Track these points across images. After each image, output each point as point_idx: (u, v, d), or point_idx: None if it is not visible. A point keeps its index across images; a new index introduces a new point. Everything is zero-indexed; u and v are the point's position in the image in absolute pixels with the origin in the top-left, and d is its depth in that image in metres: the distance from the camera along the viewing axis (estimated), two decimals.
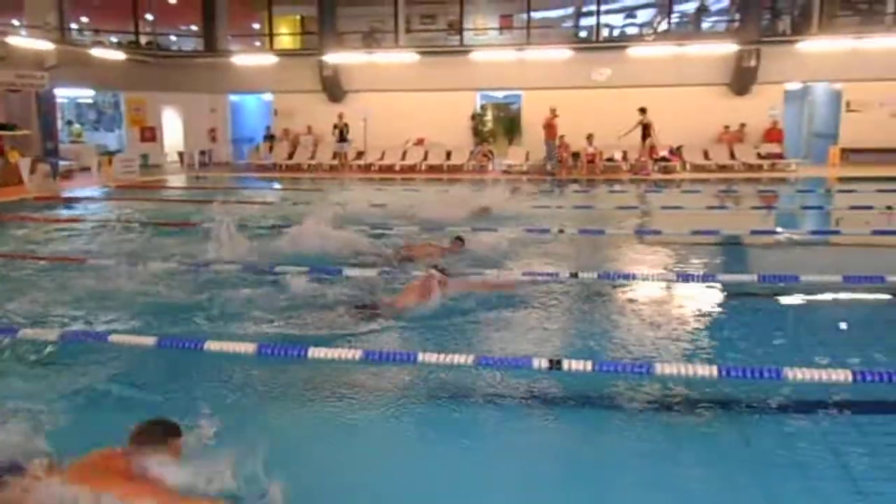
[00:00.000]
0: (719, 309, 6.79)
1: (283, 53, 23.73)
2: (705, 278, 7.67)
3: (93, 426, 4.11)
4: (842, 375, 4.56)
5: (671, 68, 20.78)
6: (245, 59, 23.24)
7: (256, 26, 26.71)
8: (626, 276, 7.71)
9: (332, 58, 22.32)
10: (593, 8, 22.24)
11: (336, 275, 7.50)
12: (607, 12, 23.62)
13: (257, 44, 26.45)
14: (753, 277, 7.67)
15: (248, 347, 5.14)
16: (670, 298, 7.12)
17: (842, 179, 17.90)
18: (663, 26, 23.72)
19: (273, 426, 4.28)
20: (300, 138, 23.34)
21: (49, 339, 5.47)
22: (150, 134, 23.84)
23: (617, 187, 17.51)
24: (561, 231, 10.22)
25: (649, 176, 19.37)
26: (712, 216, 11.98)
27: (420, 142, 22.73)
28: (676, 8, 23.10)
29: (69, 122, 25.06)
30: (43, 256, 9.04)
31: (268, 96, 24.96)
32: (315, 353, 5.06)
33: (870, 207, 11.97)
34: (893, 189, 14.33)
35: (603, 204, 13.95)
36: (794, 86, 22.12)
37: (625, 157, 20.72)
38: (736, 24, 21.70)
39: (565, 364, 4.88)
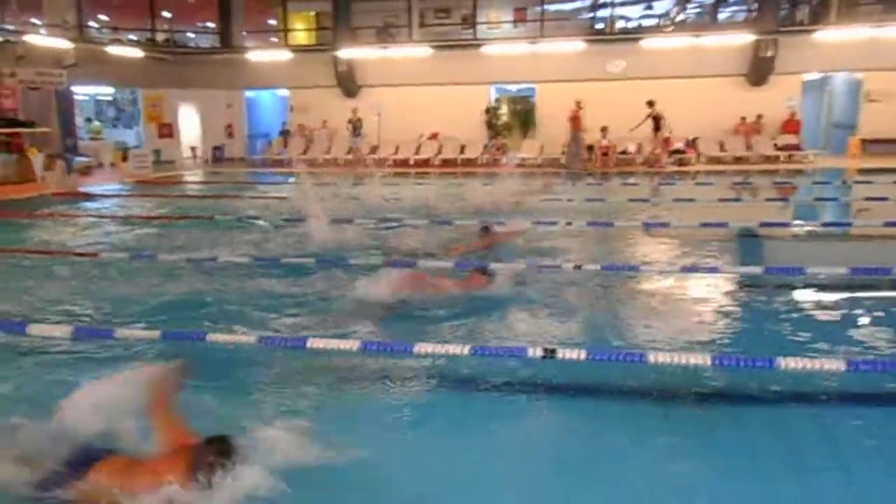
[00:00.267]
0: (728, 300, 6.74)
1: (297, 49, 23.87)
2: (713, 270, 7.64)
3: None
4: (834, 365, 4.55)
5: (687, 59, 20.60)
6: (260, 55, 23.41)
7: (272, 22, 26.90)
8: (633, 268, 7.69)
9: (346, 53, 22.41)
10: None
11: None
12: (623, 4, 23.49)
13: (273, 40, 26.65)
14: (759, 270, 7.66)
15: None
16: (676, 289, 7.08)
17: (860, 171, 17.65)
18: (681, 17, 23.57)
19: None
20: (314, 133, 23.46)
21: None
22: (168, 130, 24.12)
23: (631, 180, 17.39)
24: (569, 224, 10.21)
25: (663, 168, 19.25)
26: (724, 209, 11.86)
27: (434, 136, 22.76)
28: None
29: (89, 120, 25.41)
30: (59, 251, 9.20)
31: (283, 92, 25.12)
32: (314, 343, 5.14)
33: (885, 199, 11.81)
34: None
35: (615, 197, 13.87)
36: (813, 76, 21.84)
37: (639, 150, 20.59)
38: (753, 14, 21.47)
39: (559, 353, 4.93)
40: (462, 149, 22.22)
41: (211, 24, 25.88)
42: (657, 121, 19.18)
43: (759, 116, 20.96)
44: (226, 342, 5.29)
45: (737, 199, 12.86)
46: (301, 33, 26.25)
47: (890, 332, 5.56)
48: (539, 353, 4.93)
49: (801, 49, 19.96)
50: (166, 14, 25.63)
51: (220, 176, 20.40)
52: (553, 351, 4.93)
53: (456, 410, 4.45)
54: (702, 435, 4.05)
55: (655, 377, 4.71)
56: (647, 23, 24.68)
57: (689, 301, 6.73)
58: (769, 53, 20.20)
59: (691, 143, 20.80)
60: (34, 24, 22.44)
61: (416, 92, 22.40)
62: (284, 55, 23.13)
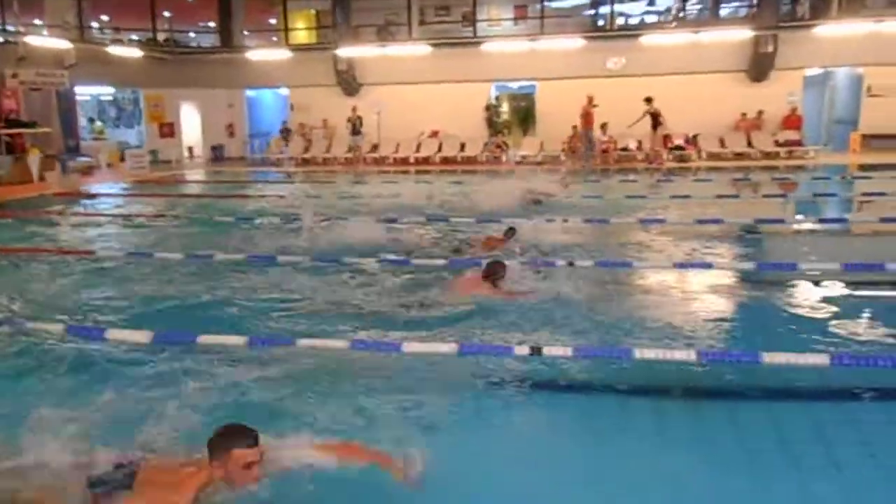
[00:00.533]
0: (721, 296, 6.74)
1: (298, 48, 23.90)
2: (706, 266, 7.64)
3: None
4: (818, 359, 4.57)
5: (687, 56, 20.56)
6: (261, 55, 23.45)
7: (272, 21, 26.94)
8: (627, 264, 7.69)
9: (346, 52, 22.43)
10: None
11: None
12: (622, 1, 23.44)
13: (274, 39, 26.69)
14: (752, 265, 7.67)
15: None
16: (669, 285, 7.07)
17: (861, 167, 17.59)
18: (683, 13, 23.52)
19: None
20: (312, 132, 23.48)
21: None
22: (169, 130, 24.21)
23: (632, 177, 17.37)
24: (565, 220, 10.20)
25: (663, 165, 19.23)
26: (721, 205, 11.84)
27: (434, 134, 22.77)
28: None
29: (91, 120, 25.52)
30: (54, 249, 9.26)
31: (285, 91, 25.17)
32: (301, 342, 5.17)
33: (883, 194, 11.80)
34: None
35: (613, 193, 13.86)
36: (815, 71, 21.77)
37: (639, 147, 20.56)
38: (754, 10, 21.41)
39: (546, 350, 4.95)
40: (462, 146, 22.23)
41: (211, 24, 25.93)
42: (655, 118, 19.15)
43: (760, 112, 20.91)
44: (216, 343, 5.33)
45: (735, 196, 12.82)
46: (301, 32, 26.28)
47: (881, 326, 5.57)
48: (526, 351, 4.98)
49: (802, 44, 19.90)
50: (167, 14, 25.68)
51: (220, 175, 20.45)
52: (539, 349, 4.97)
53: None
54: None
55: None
56: (649, 19, 24.62)
57: (682, 297, 6.73)
58: (769, 49, 20.15)
59: (691, 140, 20.76)
60: (35, 25, 22.56)
61: (416, 90, 22.41)
62: (284, 54, 23.16)
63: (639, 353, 4.82)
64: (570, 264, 7.44)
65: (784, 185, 15.63)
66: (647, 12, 25.05)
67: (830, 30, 19.39)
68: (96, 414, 3.92)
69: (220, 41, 24.26)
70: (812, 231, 10.00)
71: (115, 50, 21.05)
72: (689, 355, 4.78)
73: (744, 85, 20.99)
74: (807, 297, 6.60)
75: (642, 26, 20.91)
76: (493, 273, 6.38)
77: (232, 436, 3.02)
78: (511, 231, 8.53)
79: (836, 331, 5.53)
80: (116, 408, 4.10)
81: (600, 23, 24.03)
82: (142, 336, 5.44)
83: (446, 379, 4.74)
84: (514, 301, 6.18)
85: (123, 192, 16.88)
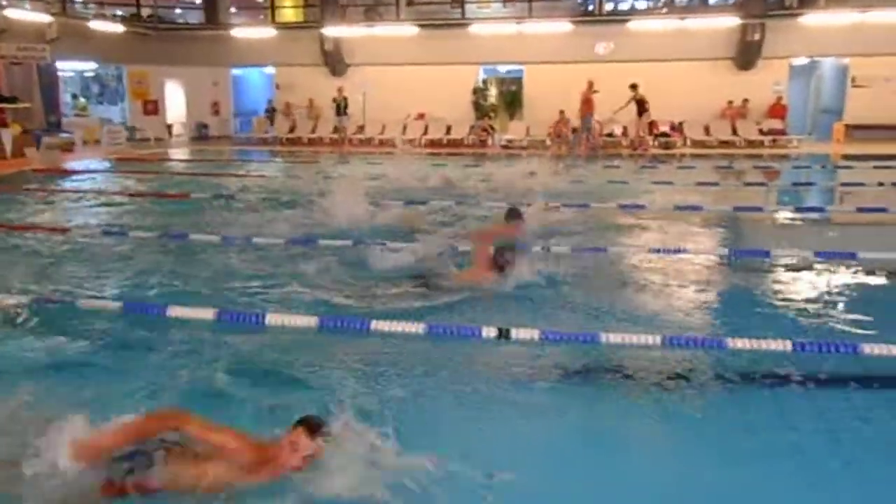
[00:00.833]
0: (695, 281, 6.78)
1: (284, 26, 23.66)
2: (680, 252, 7.67)
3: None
4: (780, 345, 4.62)
5: (674, 42, 20.53)
6: (246, 32, 23.20)
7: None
8: (601, 250, 7.72)
9: (332, 31, 22.23)
10: None
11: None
12: None
13: (262, 17, 26.36)
14: (725, 251, 7.73)
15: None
16: (648, 269, 7.09)
17: (844, 157, 17.68)
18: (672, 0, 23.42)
19: None
20: (295, 112, 23.28)
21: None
22: (153, 107, 23.94)
23: (615, 163, 17.38)
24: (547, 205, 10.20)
25: (648, 151, 19.26)
26: (701, 193, 11.87)
27: (421, 116, 22.67)
28: None
29: (74, 96, 25.19)
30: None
31: (270, 70, 24.94)
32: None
33: (861, 184, 11.88)
34: (891, 166, 14.18)
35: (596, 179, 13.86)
36: (802, 61, 21.81)
37: (625, 133, 20.57)
38: None
39: (513, 333, 4.98)
40: (448, 129, 22.15)
41: (197, 0, 25.59)
42: (641, 104, 19.14)
43: (746, 101, 20.93)
44: (185, 316, 5.33)
45: (715, 184, 12.86)
46: (289, 10, 25.98)
47: (850, 313, 5.64)
48: (493, 333, 5.00)
49: (789, 33, 19.92)
50: None
51: (203, 154, 20.28)
52: (507, 331, 4.99)
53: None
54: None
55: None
56: (639, 6, 24.52)
57: (661, 282, 6.73)
58: (756, 37, 20.16)
59: (677, 127, 20.78)
60: None
61: (403, 71, 22.26)
62: (270, 32, 22.92)
63: (605, 338, 4.87)
64: (547, 249, 7.50)
65: (766, 173, 15.70)
66: None
67: (817, 19, 19.42)
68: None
69: (205, 18, 23.96)
70: (788, 219, 10.05)
71: (97, 25, 20.74)
72: (654, 340, 4.81)
73: (730, 73, 21.00)
74: (778, 283, 6.66)
75: (630, 12, 20.81)
76: (504, 260, 6.20)
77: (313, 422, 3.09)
78: (514, 213, 7.98)
79: (806, 317, 5.58)
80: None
81: (590, 7, 23.91)
82: (112, 305, 5.49)
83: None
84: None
85: (103, 169, 16.71)
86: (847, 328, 5.29)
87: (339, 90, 21.59)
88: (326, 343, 5.01)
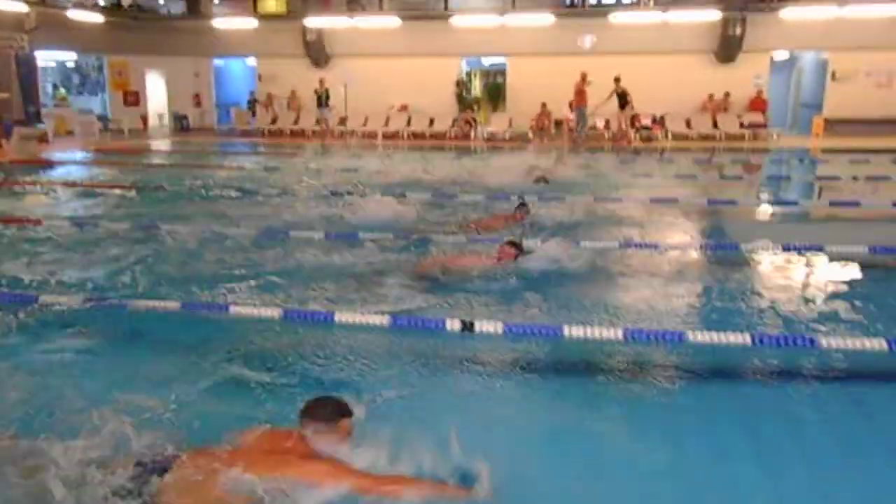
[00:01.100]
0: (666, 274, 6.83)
1: (265, 17, 23.46)
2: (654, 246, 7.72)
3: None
4: (739, 339, 4.67)
5: (656, 35, 20.60)
6: (227, 23, 23.02)
7: None
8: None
9: (313, 22, 22.13)
10: None
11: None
12: None
13: (246, 7, 26.12)
14: (699, 244, 7.80)
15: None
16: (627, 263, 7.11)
17: (823, 151, 17.85)
18: None
19: None
20: (275, 103, 23.15)
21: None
22: (134, 98, 23.76)
23: (597, 155, 17.40)
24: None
25: (630, 144, 19.33)
26: (679, 185, 11.93)
27: (404, 108, 22.62)
28: None
29: (55, 87, 24.94)
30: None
31: (252, 61, 24.79)
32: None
33: (837, 178, 11.99)
34: (867, 160, 14.32)
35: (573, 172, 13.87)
36: (783, 55, 21.94)
37: (607, 126, 20.62)
38: None
39: (477, 326, 5.00)
40: (431, 122, 22.12)
41: None
42: (623, 97, 19.19)
43: (727, 94, 21.04)
44: (149, 308, 5.32)
45: (692, 177, 12.92)
46: (271, 1, 25.77)
47: (812, 307, 5.71)
48: (457, 326, 5.02)
49: (769, 27, 20.03)
50: None
51: (182, 146, 20.15)
52: (471, 324, 5.01)
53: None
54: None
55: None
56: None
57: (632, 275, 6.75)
58: (737, 31, 20.26)
59: (658, 120, 20.86)
60: None
61: (386, 63, 22.21)
62: (251, 23, 22.76)
63: (567, 332, 4.91)
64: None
65: (745, 166, 15.80)
66: None
67: (796, 13, 19.54)
68: None
69: (187, 8, 23.75)
70: (762, 212, 10.14)
71: (76, 14, 20.50)
72: (615, 334, 4.85)
73: (712, 66, 21.09)
74: (745, 276, 6.71)
75: (612, 5, 20.79)
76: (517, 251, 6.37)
77: (341, 405, 3.14)
78: (523, 206, 8.22)
79: (771, 310, 5.65)
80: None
81: (574, 0, 23.87)
82: (74, 301, 5.46)
83: None
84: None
85: (81, 160, 16.59)
86: (812, 322, 5.36)
87: (321, 81, 21.50)
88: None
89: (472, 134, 21.60)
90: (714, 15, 20.16)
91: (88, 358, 4.64)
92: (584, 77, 19.49)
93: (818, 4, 19.18)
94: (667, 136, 20.57)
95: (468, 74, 23.96)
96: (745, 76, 20.91)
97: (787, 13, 19.58)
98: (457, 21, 21.54)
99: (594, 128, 20.72)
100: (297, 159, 16.11)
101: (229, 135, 22.71)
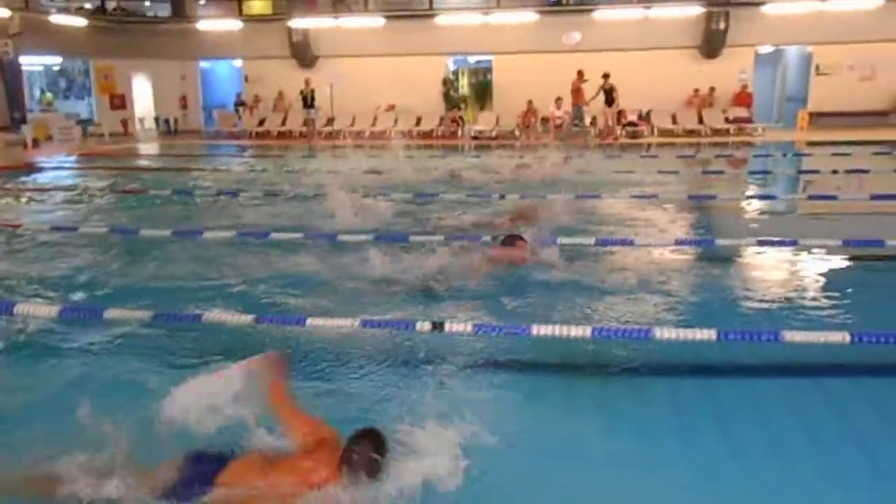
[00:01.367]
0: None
1: (250, 19, 23.48)
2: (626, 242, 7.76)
3: None
4: (706, 334, 4.71)
5: (641, 32, 20.68)
6: (212, 25, 23.01)
7: None
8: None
9: (298, 23, 22.12)
10: None
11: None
12: None
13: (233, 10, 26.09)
14: (671, 240, 7.84)
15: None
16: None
17: (808, 144, 17.91)
18: None
19: None
20: (259, 105, 23.13)
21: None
22: (121, 101, 23.71)
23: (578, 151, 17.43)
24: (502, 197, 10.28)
25: (617, 140, 19.39)
26: (662, 181, 11.99)
27: (391, 108, 22.63)
28: None
29: (42, 91, 24.89)
30: None
31: (239, 62, 24.76)
32: None
33: (816, 171, 12.06)
34: (848, 153, 14.39)
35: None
36: (767, 49, 22.03)
37: (593, 122, 20.67)
38: None
39: (447, 326, 5.03)
40: (418, 121, 22.14)
41: None
42: (609, 93, 19.25)
43: (712, 89, 21.11)
44: (121, 317, 5.33)
45: (674, 172, 12.97)
46: (258, 3, 25.76)
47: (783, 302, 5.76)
48: (427, 326, 5.05)
49: (752, 22, 20.14)
50: None
51: (169, 149, 20.11)
52: (441, 324, 5.05)
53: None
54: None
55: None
56: None
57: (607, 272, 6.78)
58: (721, 26, 20.34)
59: (644, 117, 20.92)
60: None
61: (372, 63, 22.21)
62: (236, 24, 22.75)
63: (536, 330, 4.94)
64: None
65: (729, 160, 15.86)
66: None
67: (779, 8, 19.66)
68: None
69: (172, 11, 23.71)
70: (741, 207, 10.18)
71: (59, 18, 20.45)
72: (583, 332, 4.89)
73: (697, 61, 21.17)
74: (718, 271, 6.77)
75: (596, 1, 20.85)
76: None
77: (374, 444, 2.94)
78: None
79: (740, 304, 5.71)
80: None
81: None
82: (49, 310, 5.46)
83: None
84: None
85: (67, 165, 16.56)
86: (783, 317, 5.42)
87: (307, 82, 21.49)
88: None
89: (460, 132, 21.63)
90: (696, 10, 20.22)
91: (58, 364, 4.67)
92: (580, 74, 19.54)
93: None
94: (653, 131, 20.63)
95: (455, 73, 23.98)
96: (730, 71, 20.99)
97: (771, 8, 19.70)
98: (442, 20, 21.57)
99: (578, 125, 20.74)
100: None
101: (216, 137, 22.66)
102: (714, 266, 6.95)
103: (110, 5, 23.82)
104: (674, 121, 20.90)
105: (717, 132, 20.20)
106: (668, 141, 19.39)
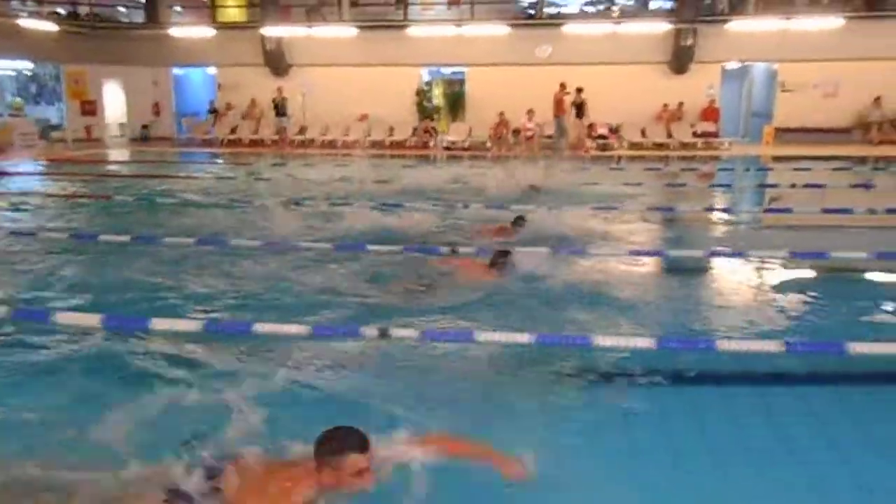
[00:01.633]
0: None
1: (223, 26, 23.46)
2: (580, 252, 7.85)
3: None
4: (646, 343, 4.84)
5: (611, 46, 20.97)
6: (185, 32, 22.94)
7: None
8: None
9: (271, 31, 22.15)
10: None
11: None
12: None
13: (208, 17, 26.06)
14: (625, 250, 7.97)
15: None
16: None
17: (773, 158, 18.28)
18: (615, 4, 23.82)
19: None
20: (229, 112, 23.07)
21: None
22: (91, 107, 23.51)
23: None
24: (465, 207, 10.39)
25: (588, 153, 19.62)
26: (626, 193, 12.14)
27: (363, 117, 22.69)
28: None
29: (13, 96, 24.62)
30: None
31: (213, 70, 24.69)
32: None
33: (776, 185, 12.31)
34: (810, 168, 14.72)
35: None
36: (734, 65, 22.45)
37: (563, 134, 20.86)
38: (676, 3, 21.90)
39: (393, 332, 5.10)
40: (391, 131, 22.23)
41: None
42: (580, 107, 19.50)
43: (681, 104, 21.45)
44: (71, 323, 5.33)
45: (638, 184, 13.17)
46: (232, 10, 25.75)
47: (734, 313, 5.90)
48: (374, 332, 5.12)
49: (719, 39, 20.52)
50: None
51: (139, 155, 20.03)
52: (386, 330, 5.11)
53: None
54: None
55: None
56: (584, 9, 24.85)
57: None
58: (689, 42, 20.71)
59: (615, 130, 21.19)
60: None
61: (345, 72, 22.27)
62: (209, 32, 22.71)
63: (481, 337, 5.02)
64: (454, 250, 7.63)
65: (697, 174, 16.13)
66: (585, 2, 25.23)
67: (746, 25, 20.08)
68: None
69: (146, 17, 23.62)
70: (703, 219, 10.38)
71: (27, 23, 20.28)
72: (527, 338, 4.98)
73: (666, 77, 21.50)
74: (676, 281, 6.91)
75: (567, 16, 21.16)
76: (502, 261, 6.42)
77: (344, 440, 2.80)
78: (520, 220, 8.26)
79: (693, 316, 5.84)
80: None
81: (532, 11, 24.20)
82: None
83: None
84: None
85: (32, 171, 16.43)
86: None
87: (279, 90, 21.52)
88: None
89: (432, 143, 21.76)
90: (665, 26, 20.58)
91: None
92: (562, 87, 19.74)
93: (766, 17, 19.70)
94: (623, 145, 20.90)
95: (429, 83, 24.11)
96: (698, 86, 21.35)
97: (737, 25, 20.10)
98: (415, 31, 21.72)
99: (551, 136, 20.97)
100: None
101: (188, 145, 22.56)
102: (666, 276, 7.10)
103: (83, 10, 23.67)
104: (643, 134, 21.20)
105: (685, 146, 20.52)
106: (637, 154, 19.66)
